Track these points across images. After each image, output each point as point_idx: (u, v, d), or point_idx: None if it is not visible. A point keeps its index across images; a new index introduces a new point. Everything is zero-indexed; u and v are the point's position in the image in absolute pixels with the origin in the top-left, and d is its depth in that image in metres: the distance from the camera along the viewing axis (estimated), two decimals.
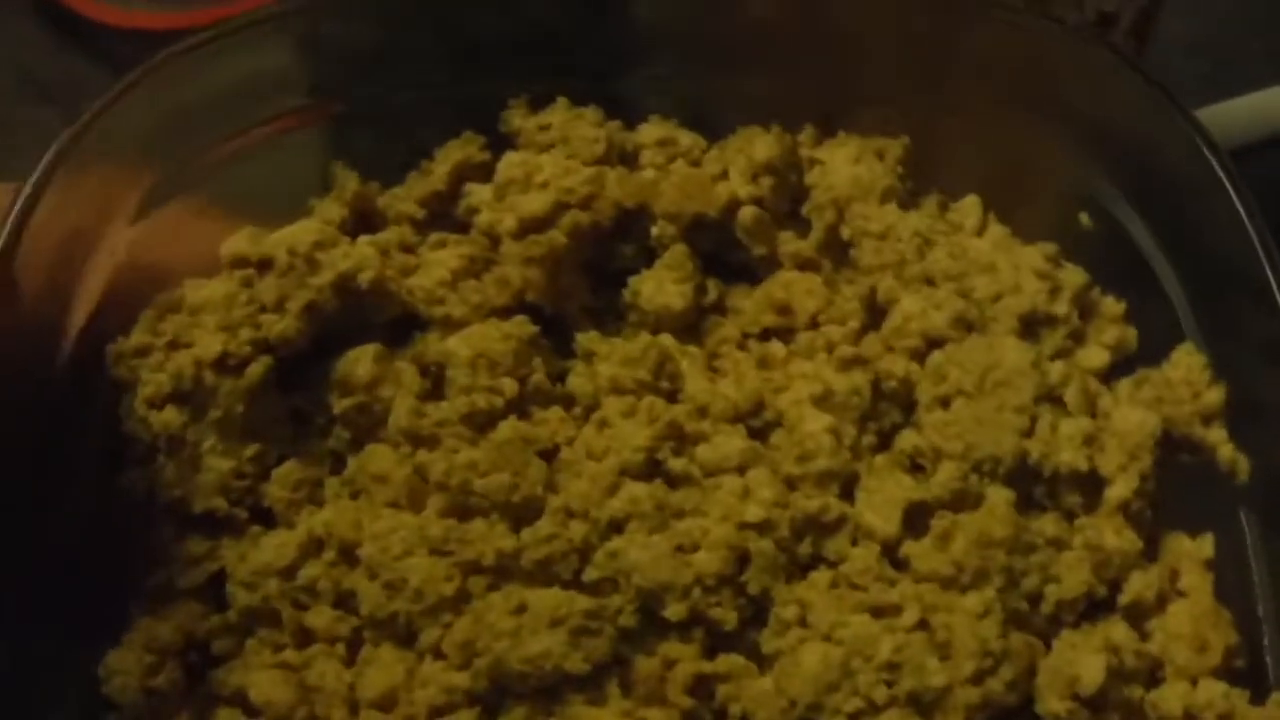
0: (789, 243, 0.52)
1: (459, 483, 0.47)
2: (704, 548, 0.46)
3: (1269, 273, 0.47)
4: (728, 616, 0.46)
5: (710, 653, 0.46)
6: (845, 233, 0.52)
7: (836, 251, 0.52)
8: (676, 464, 0.48)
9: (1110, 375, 0.51)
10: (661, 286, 0.51)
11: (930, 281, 0.51)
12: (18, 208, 0.47)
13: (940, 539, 0.47)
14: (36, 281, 0.48)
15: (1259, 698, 0.46)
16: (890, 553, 0.47)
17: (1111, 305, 0.51)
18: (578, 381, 0.50)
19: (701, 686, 0.46)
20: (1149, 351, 0.51)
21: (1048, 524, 0.48)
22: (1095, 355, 0.51)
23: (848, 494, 0.48)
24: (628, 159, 0.53)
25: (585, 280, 0.52)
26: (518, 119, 0.53)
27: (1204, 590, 0.48)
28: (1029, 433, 0.48)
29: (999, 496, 0.47)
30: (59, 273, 0.48)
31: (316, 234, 0.50)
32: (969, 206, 0.53)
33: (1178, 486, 0.49)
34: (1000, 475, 0.48)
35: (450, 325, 0.50)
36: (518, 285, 0.50)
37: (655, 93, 0.54)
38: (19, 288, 0.47)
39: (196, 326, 0.49)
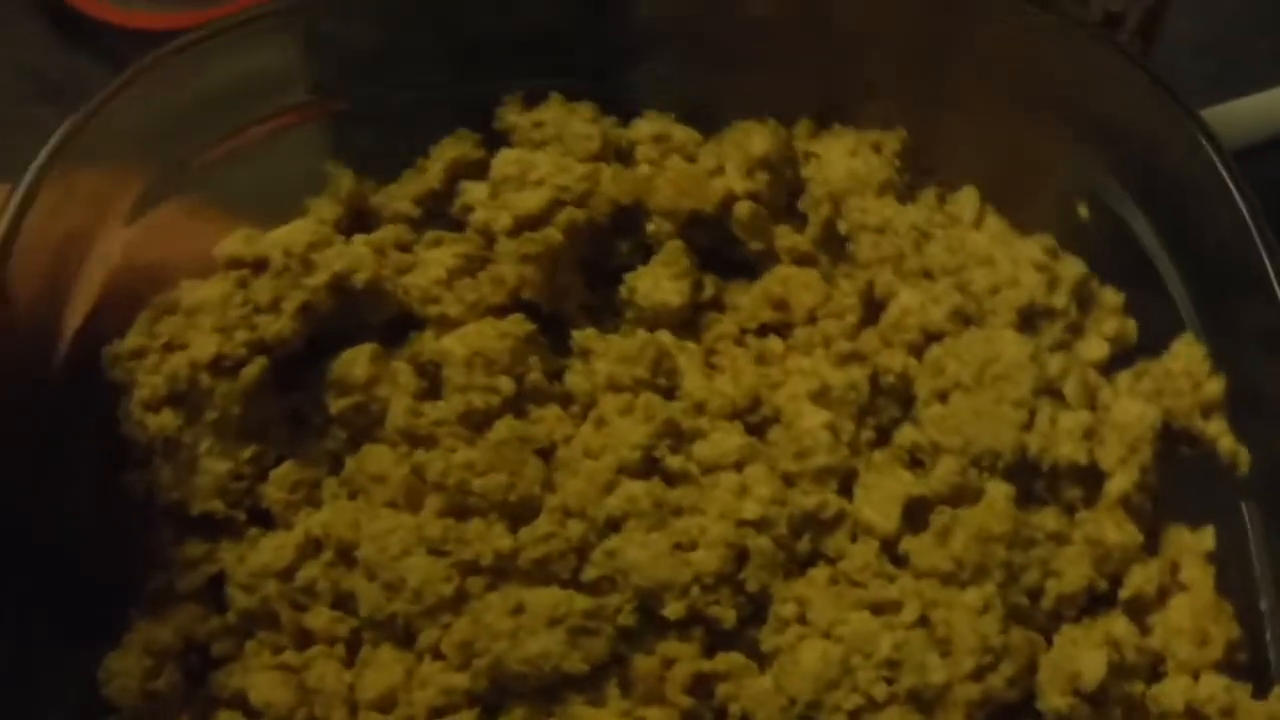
0: (786, 237, 0.52)
1: (456, 482, 0.47)
2: (702, 546, 0.46)
3: (1268, 263, 0.47)
4: (726, 615, 0.46)
5: (709, 651, 0.46)
6: (842, 227, 0.52)
7: (834, 246, 0.52)
8: (674, 461, 0.47)
9: (1110, 367, 0.51)
10: (658, 283, 0.51)
11: (928, 275, 0.51)
12: (11, 210, 0.47)
13: (940, 534, 0.47)
14: (31, 284, 0.47)
15: (1261, 691, 0.46)
16: (890, 549, 0.47)
17: (1111, 296, 0.51)
18: (575, 379, 0.50)
19: (701, 685, 0.46)
20: (1148, 343, 0.50)
21: (1048, 518, 0.48)
22: (1095, 347, 0.50)
23: (846, 490, 0.48)
24: (623, 155, 0.53)
25: (582, 278, 0.51)
26: (512, 116, 0.53)
27: (1205, 584, 0.47)
28: (1028, 426, 0.48)
29: (998, 491, 0.47)
30: (53, 275, 0.48)
31: (311, 234, 0.50)
32: (966, 198, 0.53)
33: (1178, 479, 0.49)
34: (999, 469, 0.48)
35: (446, 324, 0.50)
36: (513, 283, 0.50)
37: (656, 91, 0.54)
38: (13, 290, 0.47)
39: (192, 328, 0.49)
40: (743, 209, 0.51)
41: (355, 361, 0.49)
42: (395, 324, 0.51)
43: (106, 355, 0.49)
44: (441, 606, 0.46)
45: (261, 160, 0.52)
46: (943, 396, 0.49)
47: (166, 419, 0.48)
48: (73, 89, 0.51)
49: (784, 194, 0.53)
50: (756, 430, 0.49)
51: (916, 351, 0.50)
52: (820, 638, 0.45)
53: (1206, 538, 0.48)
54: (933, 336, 0.50)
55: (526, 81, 0.53)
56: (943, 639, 0.45)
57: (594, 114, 0.53)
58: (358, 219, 0.52)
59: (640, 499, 0.47)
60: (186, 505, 0.49)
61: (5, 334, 0.47)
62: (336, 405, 0.49)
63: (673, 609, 0.46)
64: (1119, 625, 0.47)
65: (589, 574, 0.46)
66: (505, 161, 0.51)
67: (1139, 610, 0.47)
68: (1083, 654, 0.46)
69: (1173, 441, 0.49)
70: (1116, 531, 0.47)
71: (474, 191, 0.52)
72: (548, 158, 0.51)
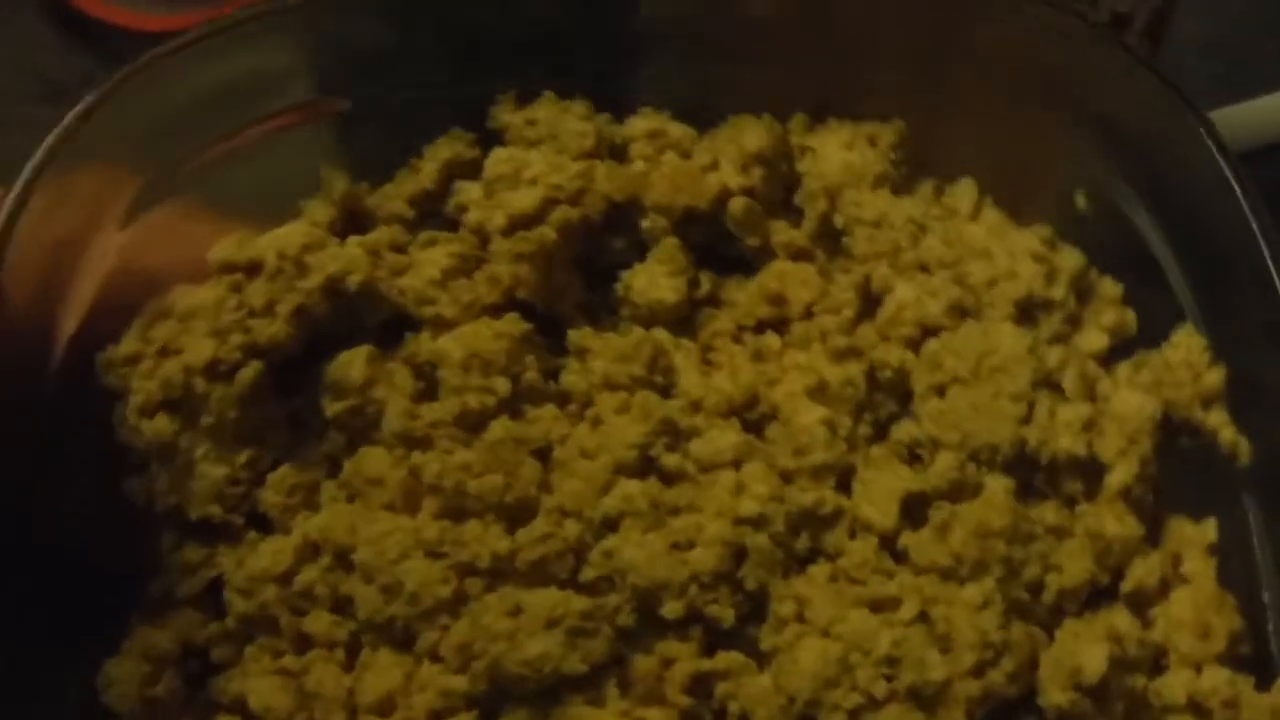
0: (782, 232, 0.52)
1: (453, 484, 0.47)
2: (700, 544, 0.46)
3: (1267, 253, 0.47)
4: (725, 613, 0.46)
5: (709, 650, 0.46)
6: (838, 221, 0.51)
7: (830, 240, 0.52)
8: (670, 460, 0.47)
9: (1110, 359, 0.50)
10: (654, 280, 0.51)
11: (925, 268, 0.50)
12: (5, 213, 0.47)
13: (939, 530, 0.46)
14: (26, 287, 0.47)
15: (1265, 683, 0.46)
16: (889, 545, 0.47)
17: (1110, 287, 0.51)
18: (571, 378, 0.50)
19: (700, 685, 0.46)
20: (1148, 335, 0.50)
21: (1048, 512, 0.47)
22: (1094, 338, 0.50)
23: (845, 487, 0.48)
24: (618, 152, 0.52)
25: (577, 276, 0.51)
26: (505, 115, 0.52)
27: (1207, 576, 0.47)
28: (1027, 419, 0.48)
29: (997, 485, 0.47)
30: (48, 279, 0.48)
31: (305, 236, 0.49)
32: (964, 190, 0.52)
33: (1179, 471, 0.49)
34: (998, 464, 0.47)
35: (442, 325, 0.50)
36: (508, 283, 0.50)
37: (656, 90, 0.53)
38: (7, 293, 0.46)
39: (186, 333, 0.49)
40: (738, 205, 0.51)
41: (351, 364, 0.49)
42: (391, 325, 0.50)
43: (101, 361, 0.48)
44: (439, 609, 0.46)
45: (261, 160, 0.52)
46: (940, 391, 0.48)
47: (162, 424, 0.48)
48: (78, 91, 0.51)
49: (780, 189, 0.52)
50: (754, 427, 0.49)
51: (914, 346, 0.49)
52: (819, 636, 0.45)
53: (1209, 529, 0.48)
54: (930, 330, 0.49)
55: (527, 81, 0.53)
56: (942, 635, 0.45)
57: (587, 111, 0.52)
58: (352, 220, 0.52)
59: (637, 498, 0.46)
60: (184, 510, 0.48)
61: (1, 336, 0.47)
62: (333, 408, 0.49)
63: (671, 608, 0.46)
64: (1120, 619, 0.46)
65: (587, 574, 0.46)
66: (498, 160, 0.51)
67: (1141, 603, 0.47)
68: (1084, 648, 0.45)
69: (1173, 433, 0.49)
70: (1117, 524, 0.47)
71: (468, 191, 0.52)
72: (541, 156, 0.51)
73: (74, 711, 0.48)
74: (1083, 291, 0.51)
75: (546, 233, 0.50)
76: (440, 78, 0.53)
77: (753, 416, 0.49)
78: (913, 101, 0.53)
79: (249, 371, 0.48)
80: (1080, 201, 0.51)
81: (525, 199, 0.50)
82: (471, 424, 0.48)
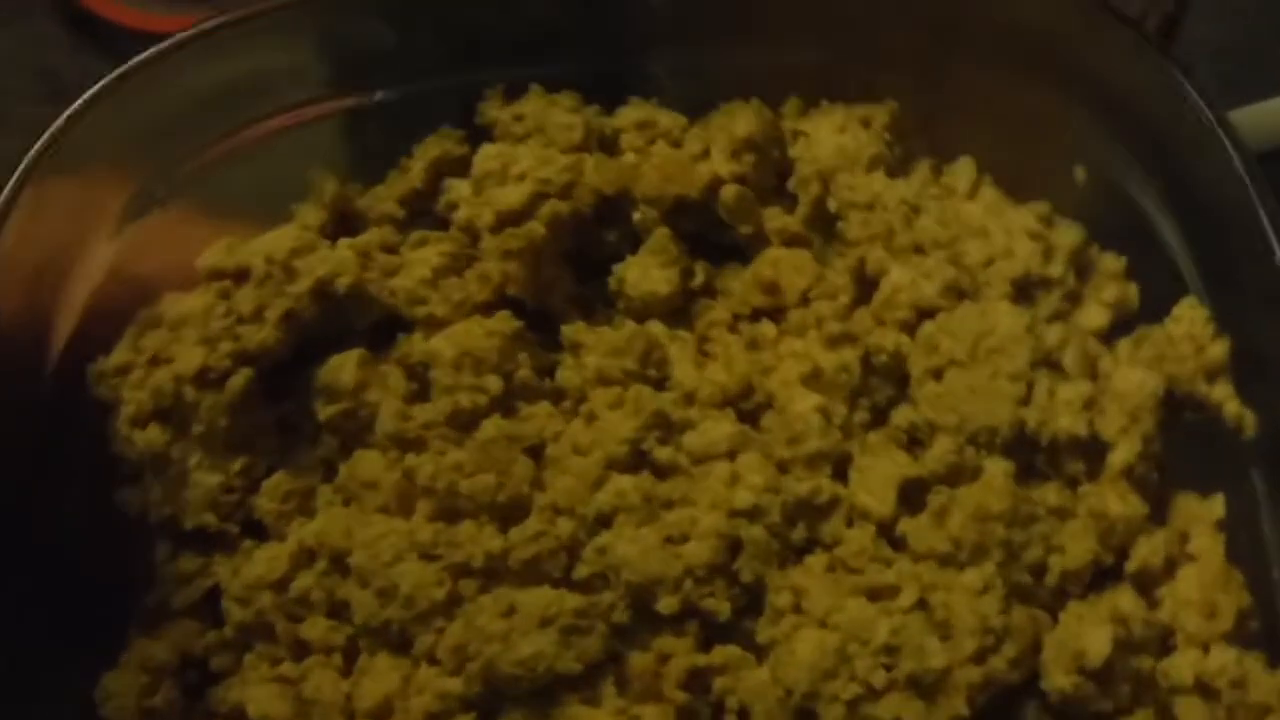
0: (776, 219, 0.51)
1: (445, 485, 0.46)
2: (694, 538, 0.45)
3: (1267, 224, 0.46)
4: (721, 607, 0.45)
5: (705, 645, 0.46)
6: (832, 205, 0.51)
7: (825, 225, 0.51)
8: (663, 454, 0.47)
9: (1112, 334, 0.49)
10: (646, 272, 0.50)
11: (920, 250, 0.50)
12: None
13: (937, 515, 0.46)
14: (14, 298, 0.47)
15: (1276, 661, 0.45)
16: (886, 533, 0.46)
17: (1111, 262, 0.50)
18: (566, 374, 0.49)
19: (697, 680, 0.45)
20: (1149, 309, 0.49)
21: (1050, 493, 0.47)
22: (1095, 315, 0.49)
23: (842, 475, 0.47)
24: (608, 144, 0.52)
25: (568, 270, 0.51)
26: (493, 110, 0.52)
27: (1215, 553, 0.46)
28: (1026, 400, 0.47)
29: (996, 468, 0.46)
30: (40, 283, 0.48)
31: (293, 241, 0.49)
32: (962, 169, 0.52)
33: (1184, 446, 0.48)
34: (997, 446, 0.47)
35: (434, 324, 0.49)
36: (498, 280, 0.50)
37: (665, 81, 0.53)
38: None
39: (176, 342, 0.48)
40: (729, 192, 0.51)
41: (342, 367, 0.49)
42: (382, 326, 0.50)
43: (92, 373, 0.48)
44: (434, 611, 0.46)
45: (260, 161, 0.52)
46: (937, 374, 0.48)
47: (154, 435, 0.48)
48: (86, 91, 0.51)
49: (772, 175, 0.52)
50: (750, 417, 0.48)
51: (909, 329, 0.49)
52: (816, 626, 0.45)
53: (1216, 505, 0.47)
54: (926, 313, 0.49)
55: (528, 77, 0.52)
56: (942, 622, 0.44)
57: (576, 104, 0.52)
58: (344, 223, 0.52)
59: (629, 493, 0.46)
60: (179, 520, 0.48)
61: None
62: (325, 412, 0.49)
63: (666, 604, 0.45)
64: (1126, 599, 0.46)
65: (581, 572, 0.46)
66: (486, 157, 0.51)
67: (1146, 583, 0.46)
68: (1088, 631, 0.45)
69: (1177, 408, 0.48)
70: (1120, 503, 0.46)
71: (458, 189, 0.51)
72: (529, 151, 0.50)
73: (74, 712, 0.48)
74: (1083, 267, 0.50)
75: (535, 228, 0.49)
76: (441, 75, 0.52)
77: (748, 406, 0.48)
78: (920, 95, 0.52)
79: (239, 379, 0.48)
80: (1079, 175, 0.51)
81: (513, 195, 0.49)
82: (463, 423, 0.48)
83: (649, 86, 0.53)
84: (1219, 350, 0.47)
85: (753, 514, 0.46)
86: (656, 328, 0.50)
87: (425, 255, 0.50)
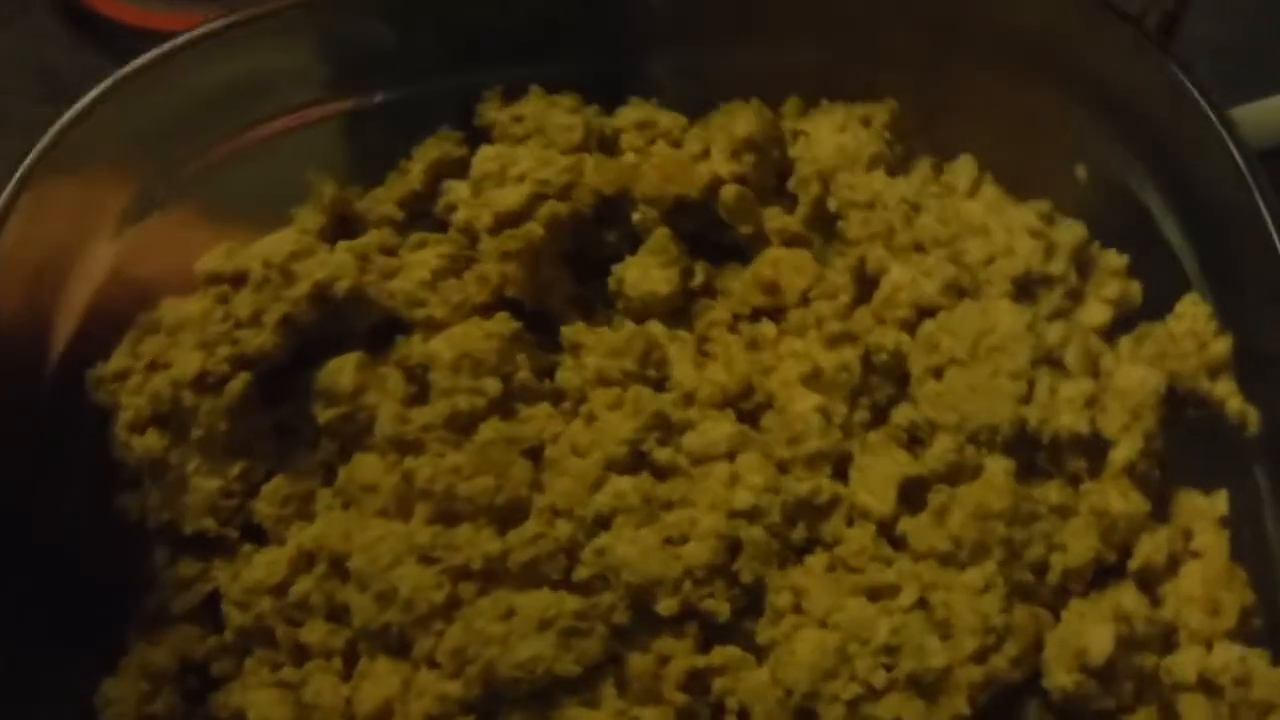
0: (776, 219, 0.51)
1: (444, 488, 0.46)
2: (693, 539, 0.45)
3: (1268, 219, 0.46)
4: (721, 608, 0.45)
5: (705, 646, 0.45)
6: (832, 204, 0.51)
7: (825, 225, 0.51)
8: (663, 454, 0.47)
9: (1115, 331, 0.49)
10: (646, 273, 0.50)
11: (920, 248, 0.49)
12: None
13: (937, 514, 0.46)
14: (14, 299, 0.47)
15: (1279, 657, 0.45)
16: (887, 532, 0.46)
17: (1113, 259, 0.50)
18: (566, 375, 0.49)
19: (697, 681, 0.45)
20: (1151, 306, 0.49)
21: (1051, 491, 0.46)
22: (1097, 312, 0.49)
23: (842, 474, 0.47)
24: (608, 144, 0.52)
25: (568, 271, 0.51)
26: (492, 111, 0.52)
27: (1218, 550, 0.46)
28: (1027, 398, 0.47)
29: (997, 467, 0.46)
30: (39, 289, 0.48)
31: (292, 245, 0.49)
32: (963, 167, 0.52)
33: (1187, 443, 0.48)
34: (998, 444, 0.46)
35: (433, 326, 0.49)
36: (497, 282, 0.49)
37: (665, 80, 0.53)
38: None
39: (174, 346, 0.48)
40: (729, 192, 0.50)
41: (341, 371, 0.48)
42: (381, 329, 0.50)
43: (90, 379, 0.48)
44: (433, 614, 0.45)
45: (263, 162, 0.51)
46: (938, 373, 0.47)
47: (152, 440, 0.48)
48: (87, 89, 0.51)
49: (772, 175, 0.52)
50: (750, 417, 0.48)
51: (910, 328, 0.48)
52: (817, 626, 0.44)
53: (1219, 502, 0.47)
54: (926, 311, 0.48)
55: (528, 78, 0.52)
56: (942, 621, 0.44)
57: (575, 104, 0.52)
58: (343, 225, 0.52)
59: (629, 494, 0.46)
60: (178, 525, 0.48)
61: None
62: (324, 416, 0.49)
63: (665, 605, 0.45)
64: (1128, 597, 0.45)
65: (580, 574, 0.46)
66: (485, 158, 0.50)
67: (1149, 581, 0.46)
68: (1090, 629, 0.44)
69: (1179, 405, 0.48)
70: (1122, 501, 0.46)
71: (457, 190, 0.51)
72: (528, 152, 0.50)
73: (73, 713, 0.47)
74: (1084, 265, 0.50)
75: (534, 229, 0.49)
76: (441, 76, 0.52)
77: (748, 407, 0.48)
78: (920, 94, 0.52)
79: (237, 383, 0.48)
80: (1081, 174, 0.50)
81: (512, 196, 0.49)
82: (462, 426, 0.47)
83: (649, 87, 0.53)
84: (1221, 347, 0.47)
85: (752, 514, 0.45)
86: (656, 328, 0.50)
87: (424, 257, 0.50)
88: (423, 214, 0.52)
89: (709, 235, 0.51)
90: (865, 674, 0.44)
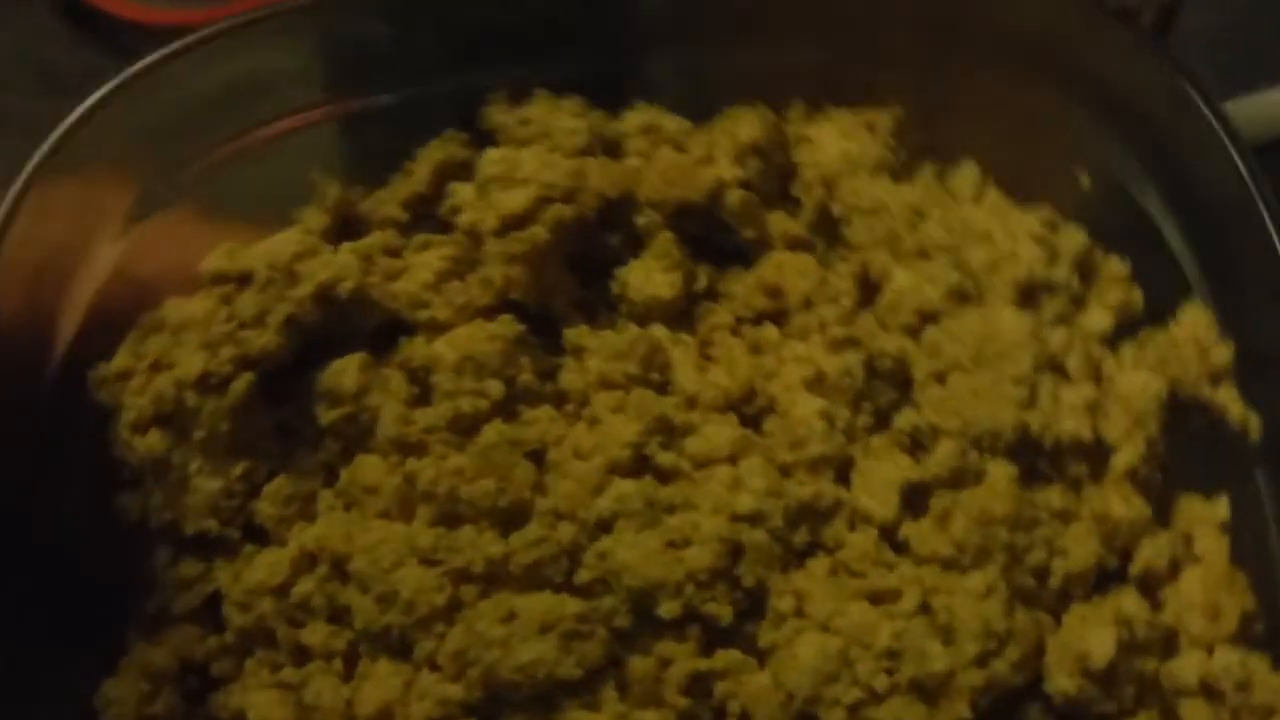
0: (780, 223, 0.51)
1: (446, 490, 0.46)
2: (695, 542, 0.45)
3: (1270, 225, 0.46)
4: (723, 611, 0.45)
5: (707, 650, 0.45)
6: (836, 210, 0.51)
7: (829, 230, 0.51)
8: (665, 458, 0.47)
9: (1117, 337, 0.49)
10: (649, 276, 0.50)
11: (924, 254, 0.49)
12: (0, 214, 0.47)
13: (939, 519, 0.46)
14: (16, 298, 0.47)
15: None
16: (889, 536, 0.46)
17: (1116, 265, 0.50)
18: (569, 378, 0.49)
19: (698, 685, 0.45)
20: (1153, 312, 0.49)
21: (1053, 496, 0.46)
22: (1099, 318, 0.49)
23: (844, 478, 0.47)
24: (613, 148, 0.52)
25: (571, 274, 0.51)
26: (498, 114, 0.52)
27: (1219, 554, 0.46)
28: (1029, 404, 0.47)
29: (1000, 472, 0.46)
30: (44, 283, 0.48)
31: (296, 245, 0.49)
32: (966, 174, 0.52)
33: (1188, 448, 0.48)
34: (1001, 450, 0.46)
35: (436, 328, 0.49)
36: (501, 284, 0.49)
37: (665, 81, 0.53)
38: (1, 295, 0.46)
39: (177, 346, 0.48)
40: (733, 197, 0.50)
41: (344, 372, 0.48)
42: (386, 330, 0.50)
43: (93, 379, 0.48)
44: (435, 617, 0.45)
45: (267, 162, 0.51)
46: (941, 378, 0.47)
47: (155, 440, 0.48)
48: (92, 85, 0.51)
49: (776, 180, 0.52)
50: (752, 421, 0.48)
51: (913, 333, 0.48)
52: (818, 630, 0.45)
53: (1220, 507, 0.47)
54: (929, 317, 0.48)
55: (530, 78, 0.52)
56: (944, 626, 0.44)
57: (581, 108, 0.52)
58: (347, 226, 0.52)
59: (631, 498, 0.46)
60: (179, 526, 0.48)
61: None
62: (327, 417, 0.49)
63: (667, 608, 0.45)
64: (1129, 601, 0.45)
65: (582, 577, 0.46)
66: (490, 161, 0.50)
67: (1151, 585, 0.46)
68: (1091, 633, 0.44)
69: (1180, 411, 0.48)
70: (1124, 506, 0.46)
71: (461, 193, 0.51)
72: (533, 155, 0.50)
73: (73, 713, 0.48)
74: (1086, 271, 0.50)
75: (539, 232, 0.49)
76: (444, 76, 0.52)
77: (750, 410, 0.48)
78: (919, 93, 0.52)
79: (240, 383, 0.48)
80: (1084, 182, 0.50)
81: (517, 199, 0.49)
82: (465, 428, 0.47)
83: (649, 86, 0.53)
84: (1223, 354, 0.47)
85: (755, 518, 0.46)
86: (659, 331, 0.50)
87: (428, 259, 0.50)
88: (426, 216, 0.52)
89: (712, 239, 0.51)
90: (867, 678, 0.44)
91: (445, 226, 0.52)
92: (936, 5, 0.52)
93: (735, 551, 0.45)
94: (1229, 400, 0.47)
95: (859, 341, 0.48)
